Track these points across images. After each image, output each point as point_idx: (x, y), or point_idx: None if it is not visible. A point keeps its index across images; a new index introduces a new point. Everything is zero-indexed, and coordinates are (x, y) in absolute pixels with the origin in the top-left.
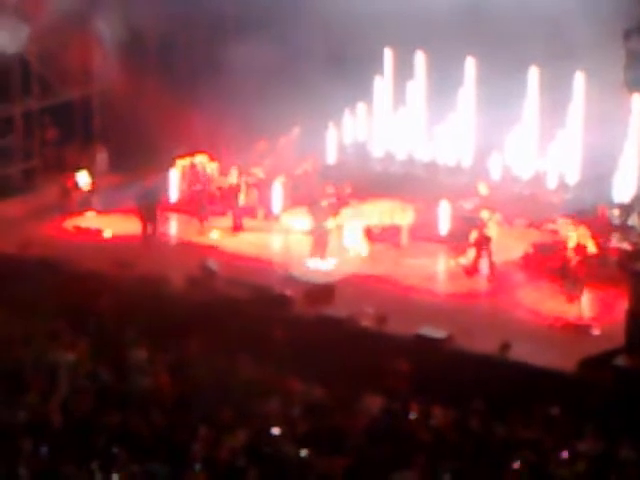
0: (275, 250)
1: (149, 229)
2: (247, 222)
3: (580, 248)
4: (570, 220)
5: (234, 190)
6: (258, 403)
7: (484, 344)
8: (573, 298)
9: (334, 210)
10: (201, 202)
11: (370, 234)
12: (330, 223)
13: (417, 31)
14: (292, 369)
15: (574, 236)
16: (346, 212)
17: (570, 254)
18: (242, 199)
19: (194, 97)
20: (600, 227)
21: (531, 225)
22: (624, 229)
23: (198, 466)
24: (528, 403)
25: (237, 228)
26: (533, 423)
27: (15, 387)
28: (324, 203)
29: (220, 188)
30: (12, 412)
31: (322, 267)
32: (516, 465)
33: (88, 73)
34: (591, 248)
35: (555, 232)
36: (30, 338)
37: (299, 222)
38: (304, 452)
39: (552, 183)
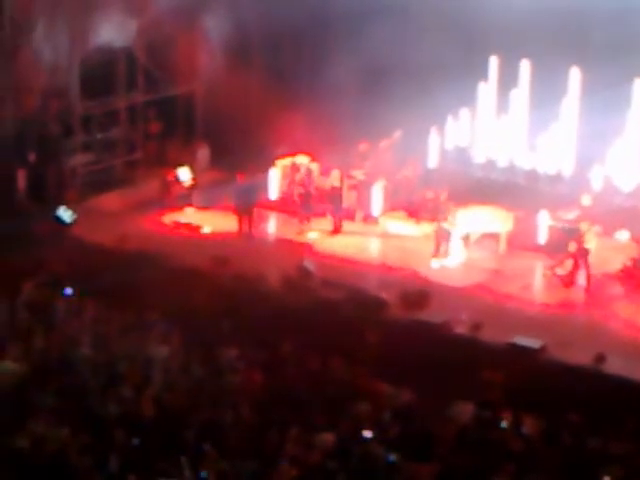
0: (374, 253)
1: (245, 227)
2: (345, 224)
3: None
4: None
5: (335, 192)
6: (349, 405)
7: (578, 355)
8: None
9: (432, 216)
10: (302, 202)
11: (468, 241)
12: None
13: (523, 39)
14: (383, 372)
15: None
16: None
17: None
18: (342, 201)
19: (297, 97)
20: None
21: (632, 239)
22: None
23: (287, 465)
24: (621, 417)
25: (336, 230)
26: (626, 437)
27: (109, 379)
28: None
29: (320, 189)
30: (105, 404)
31: (448, 266)
32: (607, 479)
33: (193, 69)
34: None
35: None
36: (125, 331)
37: (397, 226)
38: (393, 456)
39: None
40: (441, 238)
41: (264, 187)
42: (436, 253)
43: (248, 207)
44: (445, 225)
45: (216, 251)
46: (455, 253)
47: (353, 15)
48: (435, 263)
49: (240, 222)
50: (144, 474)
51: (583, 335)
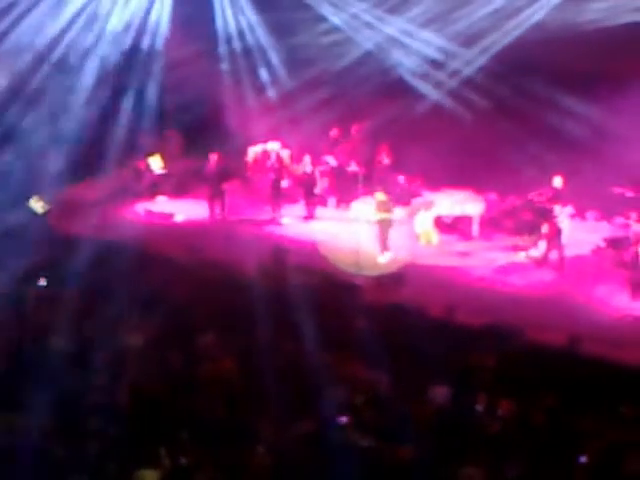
0: (344, 239)
1: (217, 210)
2: (318, 210)
3: None
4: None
5: (307, 178)
6: (324, 391)
7: (553, 337)
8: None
9: (404, 200)
10: (274, 189)
11: (441, 224)
12: (395, 214)
13: None
14: (359, 357)
15: None
16: (417, 202)
17: None
18: (314, 187)
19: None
20: None
21: (603, 219)
22: None
23: (262, 451)
24: (597, 399)
25: (309, 216)
26: (602, 419)
27: (84, 369)
28: (381, 196)
29: (292, 176)
30: (81, 393)
31: (382, 260)
32: (583, 459)
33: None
34: None
35: (627, 226)
36: (101, 321)
37: (369, 212)
38: (369, 441)
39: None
40: (384, 230)
41: (235, 174)
42: (383, 248)
43: (220, 190)
44: (383, 215)
45: (189, 239)
46: (399, 246)
47: None
48: (382, 258)
49: (212, 206)
50: (123, 463)
51: (557, 316)
